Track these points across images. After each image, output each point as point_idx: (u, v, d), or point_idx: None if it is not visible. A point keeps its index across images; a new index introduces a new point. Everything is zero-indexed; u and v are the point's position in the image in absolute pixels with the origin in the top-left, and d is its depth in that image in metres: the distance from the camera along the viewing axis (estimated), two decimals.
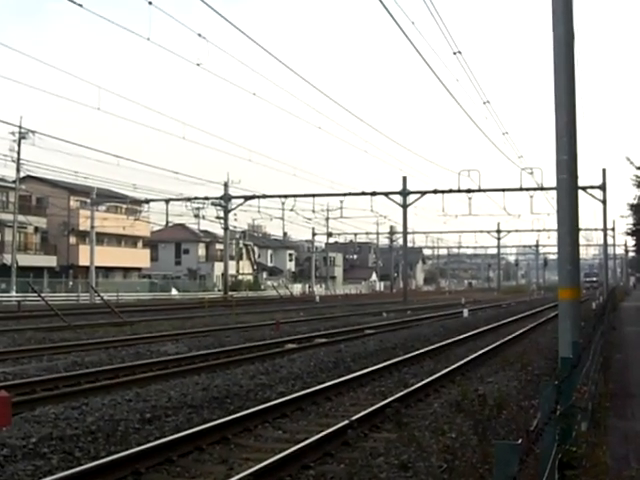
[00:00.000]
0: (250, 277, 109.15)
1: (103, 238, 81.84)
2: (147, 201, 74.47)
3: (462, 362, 20.86)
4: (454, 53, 28.97)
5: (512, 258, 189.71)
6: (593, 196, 63.81)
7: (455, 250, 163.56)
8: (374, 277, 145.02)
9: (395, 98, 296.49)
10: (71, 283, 76.34)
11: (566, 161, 11.14)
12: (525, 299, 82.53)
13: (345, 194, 68.29)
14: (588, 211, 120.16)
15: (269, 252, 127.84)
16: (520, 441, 3.48)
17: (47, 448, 10.65)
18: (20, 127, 63.11)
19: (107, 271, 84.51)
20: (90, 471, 9.15)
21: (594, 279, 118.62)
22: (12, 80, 51.60)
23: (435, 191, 66.60)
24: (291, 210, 69.58)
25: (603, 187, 63.94)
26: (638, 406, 12.40)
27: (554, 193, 12.96)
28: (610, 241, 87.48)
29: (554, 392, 4.53)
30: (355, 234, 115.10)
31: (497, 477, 3.07)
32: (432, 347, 25.23)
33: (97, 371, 18.77)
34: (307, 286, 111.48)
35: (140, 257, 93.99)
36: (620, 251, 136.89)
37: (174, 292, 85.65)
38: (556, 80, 11.27)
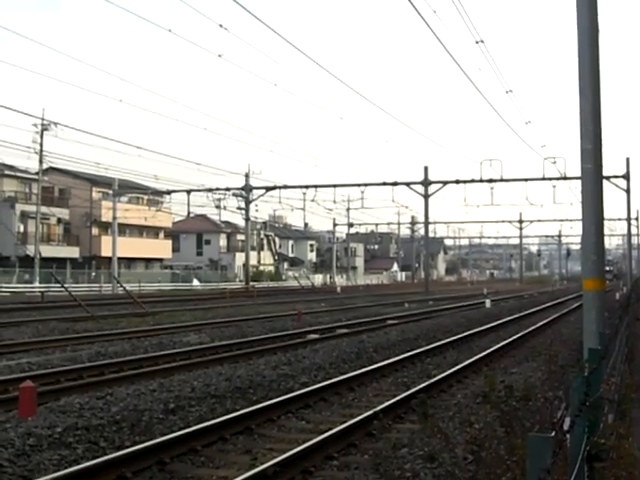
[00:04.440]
0: (271, 268, 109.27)
1: (125, 229, 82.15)
2: (169, 192, 74.69)
3: (485, 353, 20.82)
4: (476, 42, 28.93)
5: (534, 248, 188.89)
6: (617, 185, 63.43)
7: (477, 240, 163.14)
8: (395, 267, 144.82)
9: (417, 88, 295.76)
10: (94, 274, 76.68)
11: (591, 150, 11.04)
12: (548, 290, 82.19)
13: (366, 184, 68.07)
14: (611, 200, 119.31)
15: (290, 243, 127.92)
16: (553, 433, 3.46)
17: (72, 438, 10.71)
18: (42, 119, 63.50)
19: (129, 262, 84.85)
20: (115, 461, 9.19)
21: (607, 269, 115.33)
22: (34, 72, 51.92)
23: (457, 181, 66.36)
24: (312, 200, 69.49)
25: (627, 176, 63.53)
26: None
27: (577, 183, 12.92)
28: (634, 231, 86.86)
29: (583, 384, 4.50)
30: (376, 224, 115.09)
31: (531, 469, 3.05)
32: (455, 338, 25.17)
33: (121, 361, 18.85)
34: (328, 276, 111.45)
35: (162, 248, 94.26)
36: None
37: (196, 283, 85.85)
38: (580, 69, 11.17)
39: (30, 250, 68.35)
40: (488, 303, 47.19)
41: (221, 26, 33.49)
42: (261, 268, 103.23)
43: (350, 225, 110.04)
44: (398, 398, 13.59)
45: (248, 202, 75.12)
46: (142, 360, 19.27)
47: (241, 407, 13.12)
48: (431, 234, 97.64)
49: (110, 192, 74.70)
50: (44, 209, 71.30)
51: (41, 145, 64.85)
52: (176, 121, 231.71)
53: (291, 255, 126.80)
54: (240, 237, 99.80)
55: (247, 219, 77.01)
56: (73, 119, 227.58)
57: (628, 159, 63.82)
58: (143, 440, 10.60)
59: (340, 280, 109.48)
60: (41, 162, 66.31)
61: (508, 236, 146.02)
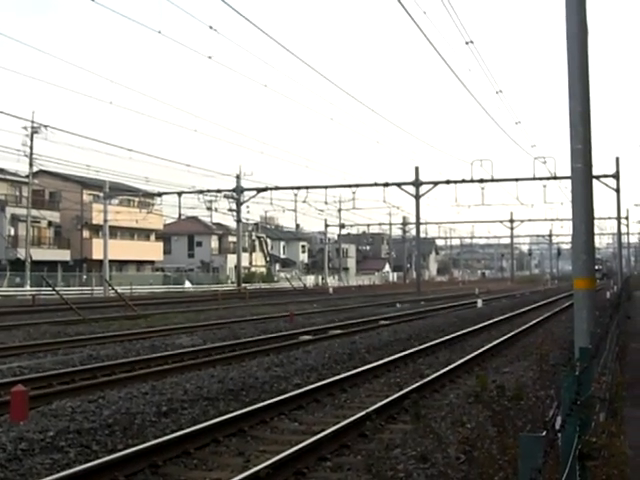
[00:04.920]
0: (263, 269, 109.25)
1: (116, 231, 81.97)
2: (160, 194, 74.62)
3: (477, 352, 20.86)
4: (466, 43, 29.00)
5: (525, 248, 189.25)
6: (607, 185, 63.54)
7: (468, 240, 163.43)
8: (387, 268, 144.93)
9: (407, 89, 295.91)
10: (85, 277, 76.52)
11: (580, 150, 11.09)
12: (539, 289, 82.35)
13: (357, 185, 68.17)
14: (601, 200, 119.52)
15: (282, 244, 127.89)
16: (544, 433, 3.47)
17: (64, 442, 10.69)
18: (32, 122, 63.35)
19: (120, 264, 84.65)
20: (108, 464, 9.18)
21: (596, 267, 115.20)
22: (24, 74, 51.86)
23: (448, 181, 66.47)
24: (303, 202, 69.61)
25: (617, 176, 63.65)
26: None
27: (567, 182, 12.98)
28: (624, 230, 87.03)
29: (575, 383, 4.52)
30: (368, 225, 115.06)
31: (522, 469, 3.06)
32: (447, 338, 25.22)
33: (113, 364, 18.82)
34: (320, 278, 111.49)
35: (153, 250, 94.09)
36: (634, 240, 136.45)
37: (187, 285, 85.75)
38: (570, 69, 11.21)
39: (21, 253, 68.17)
40: (480, 303, 47.25)
41: (211, 27, 33.49)
42: (253, 270, 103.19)
43: (342, 226, 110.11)
44: (391, 399, 13.61)
45: (239, 204, 75.10)
46: (134, 363, 19.24)
47: (234, 409, 13.12)
48: (422, 234, 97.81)
49: (101, 195, 74.55)
50: (34, 212, 71.12)
51: (31, 148, 64.75)
52: (166, 123, 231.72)
53: (283, 256, 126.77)
54: (232, 239, 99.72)
55: (238, 221, 76.99)
56: (63, 122, 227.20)
57: (618, 158, 63.92)
58: (136, 443, 10.58)
59: (332, 281, 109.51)
60: (31, 165, 66.17)
61: (499, 236, 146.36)
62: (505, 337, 25.07)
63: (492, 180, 63.77)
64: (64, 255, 79.56)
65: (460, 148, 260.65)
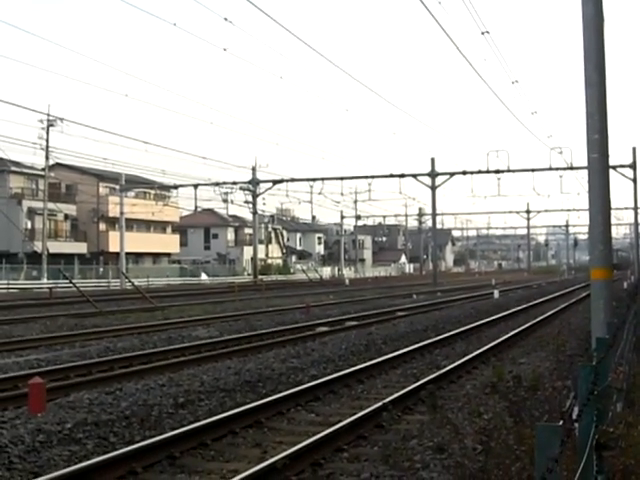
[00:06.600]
0: (279, 261, 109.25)
1: (132, 224, 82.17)
2: (176, 186, 74.78)
3: (494, 343, 20.80)
4: (482, 33, 28.94)
5: (542, 238, 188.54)
6: (623, 175, 63.26)
7: (484, 231, 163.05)
8: (403, 259, 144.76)
9: (423, 79, 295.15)
10: (101, 269, 76.76)
11: (597, 140, 11.05)
12: (556, 280, 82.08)
13: (373, 176, 68.10)
14: (618, 190, 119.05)
15: (298, 236, 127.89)
16: (561, 423, 3.46)
17: (82, 433, 10.72)
18: (48, 115, 63.54)
19: (137, 257, 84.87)
20: (125, 456, 9.21)
21: None
22: (40, 68, 52.00)
23: (464, 172, 66.30)
24: (319, 193, 69.62)
25: (634, 165, 63.35)
26: None
27: (584, 172, 12.94)
28: None
29: (591, 373, 4.50)
30: (384, 216, 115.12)
31: (539, 459, 3.05)
32: (463, 329, 25.16)
33: (130, 356, 18.87)
34: (336, 269, 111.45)
35: (169, 242, 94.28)
36: None
37: (204, 277, 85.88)
38: (586, 58, 11.17)
39: (38, 246, 68.42)
40: (496, 294, 47.12)
41: (226, 19, 33.60)
42: (269, 261, 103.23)
43: (358, 217, 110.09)
44: (407, 389, 13.59)
45: (255, 195, 75.14)
46: (151, 355, 19.29)
47: (251, 400, 13.13)
48: (439, 225, 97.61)
49: (117, 187, 74.72)
50: (51, 205, 71.32)
51: (47, 141, 64.99)
52: (182, 115, 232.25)
53: (299, 248, 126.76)
54: (248, 231, 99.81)
55: (254, 212, 77.03)
56: (79, 114, 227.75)
57: (634, 148, 63.60)
58: (153, 435, 10.61)
59: (348, 272, 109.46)
60: (47, 158, 66.42)
61: (515, 226, 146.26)
62: (522, 328, 25.00)
63: (508, 171, 63.61)
64: (81, 248, 79.82)
65: (476, 139, 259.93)
